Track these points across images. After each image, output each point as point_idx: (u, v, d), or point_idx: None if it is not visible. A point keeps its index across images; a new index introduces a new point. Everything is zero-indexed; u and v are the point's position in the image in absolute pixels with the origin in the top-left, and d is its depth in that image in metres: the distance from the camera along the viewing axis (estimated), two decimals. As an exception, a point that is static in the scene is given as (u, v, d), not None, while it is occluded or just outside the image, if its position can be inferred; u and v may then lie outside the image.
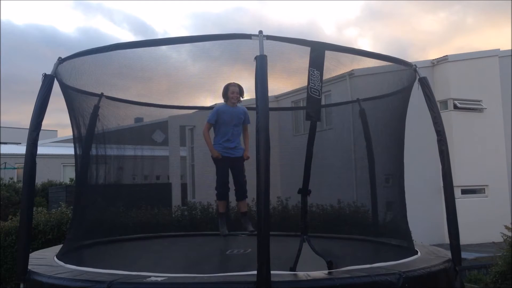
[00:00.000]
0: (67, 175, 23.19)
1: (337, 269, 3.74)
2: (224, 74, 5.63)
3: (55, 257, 4.57)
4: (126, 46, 4.35)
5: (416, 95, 4.95)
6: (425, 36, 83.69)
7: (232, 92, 5.59)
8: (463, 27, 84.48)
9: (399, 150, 5.38)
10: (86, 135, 5.56)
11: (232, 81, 5.68)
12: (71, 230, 5.67)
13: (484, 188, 14.59)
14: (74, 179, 7.52)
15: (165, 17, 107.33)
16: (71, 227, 5.87)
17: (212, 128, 5.74)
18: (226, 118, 5.61)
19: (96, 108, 5.66)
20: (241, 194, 5.72)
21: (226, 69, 5.46)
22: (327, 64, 4.18)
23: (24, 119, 68.97)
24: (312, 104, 4.16)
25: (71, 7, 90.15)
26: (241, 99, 5.72)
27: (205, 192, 9.83)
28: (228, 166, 5.68)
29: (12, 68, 66.84)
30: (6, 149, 25.18)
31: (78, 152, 5.49)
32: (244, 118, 5.77)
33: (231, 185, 5.79)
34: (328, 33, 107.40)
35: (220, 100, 5.92)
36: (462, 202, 11.97)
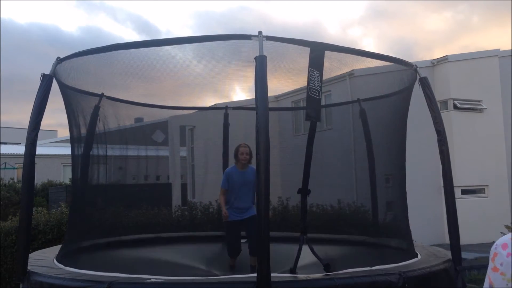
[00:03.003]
0: (67, 175, 23.14)
1: (335, 272, 3.75)
2: (226, 74, 5.57)
3: (54, 260, 4.56)
4: (125, 46, 4.35)
5: (416, 95, 4.95)
6: (430, 35, 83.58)
7: (241, 153, 5.54)
8: (468, 26, 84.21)
9: (400, 150, 5.36)
10: (87, 135, 5.55)
11: (243, 142, 5.59)
12: (69, 231, 5.66)
13: (484, 188, 14.57)
14: (71, 179, 7.49)
15: (168, 16, 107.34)
16: (69, 228, 5.86)
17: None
18: (236, 180, 5.55)
19: (97, 108, 5.66)
20: (256, 250, 5.25)
21: (228, 69, 5.40)
22: (327, 64, 4.18)
23: (26, 118, 68.60)
24: (311, 104, 4.16)
25: (74, 6, 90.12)
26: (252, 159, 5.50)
27: (205, 192, 9.82)
28: (238, 228, 5.59)
29: (14, 67, 66.78)
30: (6, 149, 25.16)
31: (76, 153, 5.46)
32: (254, 179, 5.43)
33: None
34: (332, 33, 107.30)
35: (221, 100, 5.89)
36: (462, 202, 11.94)
